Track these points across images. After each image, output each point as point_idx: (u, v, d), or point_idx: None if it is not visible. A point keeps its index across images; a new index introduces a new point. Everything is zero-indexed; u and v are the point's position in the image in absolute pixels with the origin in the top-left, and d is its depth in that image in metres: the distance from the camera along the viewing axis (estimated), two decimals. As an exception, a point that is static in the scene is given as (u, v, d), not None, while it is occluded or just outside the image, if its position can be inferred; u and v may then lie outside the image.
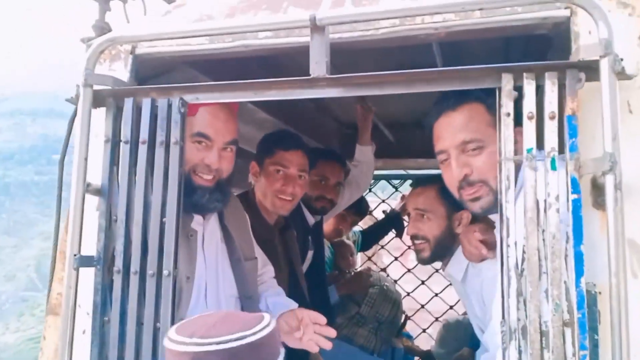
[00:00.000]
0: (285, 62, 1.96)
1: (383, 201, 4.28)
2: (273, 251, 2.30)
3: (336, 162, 2.84)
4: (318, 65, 1.40)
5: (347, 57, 1.69)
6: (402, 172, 4.32)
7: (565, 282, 1.24)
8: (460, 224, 2.03)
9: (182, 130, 1.52)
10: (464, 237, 1.93)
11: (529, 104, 1.30)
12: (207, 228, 1.79)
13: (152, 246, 1.49)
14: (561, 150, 1.28)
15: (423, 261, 2.18)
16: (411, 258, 4.41)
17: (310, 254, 2.77)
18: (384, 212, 4.13)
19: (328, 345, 1.74)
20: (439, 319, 4.11)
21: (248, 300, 1.83)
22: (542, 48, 1.76)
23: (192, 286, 1.69)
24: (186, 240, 1.69)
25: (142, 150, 1.53)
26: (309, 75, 1.41)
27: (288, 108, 2.93)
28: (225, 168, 1.72)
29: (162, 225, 1.49)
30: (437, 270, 4.25)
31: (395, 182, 4.28)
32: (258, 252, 2.08)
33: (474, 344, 3.24)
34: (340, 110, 3.59)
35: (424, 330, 4.13)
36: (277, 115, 2.85)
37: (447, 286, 4.20)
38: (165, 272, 1.46)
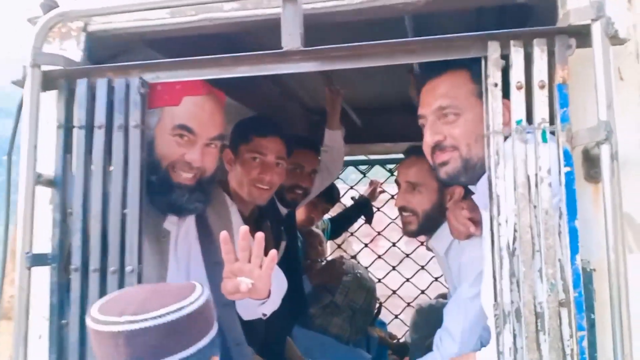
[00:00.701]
0: (253, 40, 1.84)
1: (351, 187, 4.20)
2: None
3: (311, 149, 2.74)
4: (291, 37, 1.29)
5: (312, 34, 1.59)
6: (369, 157, 4.24)
7: (559, 260, 1.17)
8: (451, 198, 1.96)
9: (143, 113, 1.39)
10: (451, 213, 1.86)
11: (517, 73, 1.22)
12: (182, 227, 1.65)
13: (112, 241, 1.36)
14: (551, 121, 1.21)
15: (409, 234, 2.12)
16: (381, 244, 4.37)
17: (283, 244, 2.66)
18: (352, 198, 4.06)
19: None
20: (411, 304, 4.08)
21: (225, 308, 1.67)
22: (517, 21, 1.68)
23: None
24: (157, 242, 1.55)
25: (99, 135, 1.39)
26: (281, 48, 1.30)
27: (253, 93, 2.81)
28: (209, 165, 1.57)
29: (123, 218, 1.36)
30: (407, 255, 4.22)
31: (363, 167, 4.21)
32: None
33: (448, 328, 3.21)
34: (306, 95, 3.48)
35: (396, 317, 4.09)
36: (241, 99, 2.72)
37: (418, 271, 4.19)
38: (128, 269, 1.34)
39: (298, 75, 2.94)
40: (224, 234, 1.41)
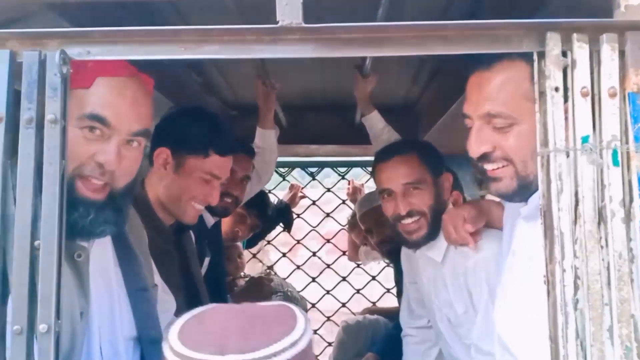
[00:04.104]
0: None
1: (269, 191, 3.84)
2: (170, 262, 1.78)
3: (245, 152, 2.36)
4: (289, 8, 0.94)
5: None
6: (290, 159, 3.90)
7: (633, 316, 0.93)
8: (445, 188, 1.89)
9: (64, 101, 0.97)
10: (449, 221, 1.69)
11: (581, 76, 0.96)
12: (93, 249, 1.24)
13: (17, 286, 0.93)
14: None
15: (418, 243, 1.89)
16: (300, 254, 4.06)
17: (206, 261, 2.27)
18: (271, 204, 3.71)
19: None
20: (331, 319, 3.82)
21: (152, 346, 1.32)
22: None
23: (85, 327, 1.16)
24: (72, 263, 1.14)
25: (-4, 132, 0.96)
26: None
27: (170, 80, 2.38)
28: (127, 171, 1.19)
29: (33, 252, 0.93)
30: (328, 266, 3.96)
31: (282, 170, 3.87)
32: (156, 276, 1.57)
33: (378, 347, 2.98)
34: (227, 87, 3.08)
35: (315, 332, 3.79)
36: (159, 87, 2.29)
37: (339, 283, 3.94)
38: (41, 328, 0.91)
39: (221, 62, 2.56)
40: None
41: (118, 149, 1.15)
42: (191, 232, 2.07)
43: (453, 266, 1.81)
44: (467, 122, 1.27)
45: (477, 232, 1.67)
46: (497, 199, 1.63)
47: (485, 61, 1.20)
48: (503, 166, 1.21)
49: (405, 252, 2.18)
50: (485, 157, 1.22)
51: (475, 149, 1.22)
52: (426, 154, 1.93)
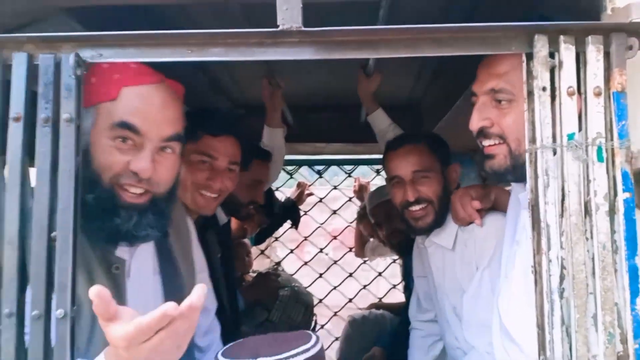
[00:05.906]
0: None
1: (277, 189, 3.90)
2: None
3: (265, 159, 2.43)
4: (289, 13, 0.99)
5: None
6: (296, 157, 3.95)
7: (616, 304, 0.97)
8: (452, 178, 1.96)
9: (78, 102, 1.03)
10: (457, 200, 1.77)
11: (568, 76, 1.00)
12: (135, 257, 1.28)
13: (35, 275, 0.99)
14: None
15: (424, 230, 1.96)
16: (307, 250, 4.12)
17: (217, 258, 2.33)
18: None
19: None
20: (338, 314, 3.87)
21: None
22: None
23: None
24: (108, 275, 1.17)
25: (15, 131, 1.01)
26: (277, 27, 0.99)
27: (182, 81, 2.44)
28: (165, 177, 1.21)
29: (50, 244, 0.99)
30: (335, 262, 4.01)
31: (290, 168, 3.92)
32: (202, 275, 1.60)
33: (384, 342, 3.03)
34: (234, 86, 3.14)
35: (322, 327, 3.85)
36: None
37: (346, 278, 3.99)
38: (58, 313, 0.98)
39: (228, 63, 2.61)
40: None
41: (152, 156, 1.18)
42: (213, 232, 2.13)
43: (464, 249, 1.86)
44: (473, 100, 1.34)
45: (484, 210, 1.75)
46: (506, 187, 1.72)
47: None
48: (498, 143, 1.27)
49: (416, 246, 2.23)
50: (482, 133, 1.29)
51: (475, 122, 1.30)
52: (435, 144, 2.00)
